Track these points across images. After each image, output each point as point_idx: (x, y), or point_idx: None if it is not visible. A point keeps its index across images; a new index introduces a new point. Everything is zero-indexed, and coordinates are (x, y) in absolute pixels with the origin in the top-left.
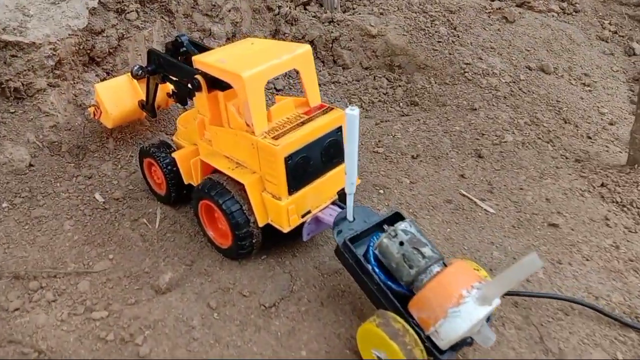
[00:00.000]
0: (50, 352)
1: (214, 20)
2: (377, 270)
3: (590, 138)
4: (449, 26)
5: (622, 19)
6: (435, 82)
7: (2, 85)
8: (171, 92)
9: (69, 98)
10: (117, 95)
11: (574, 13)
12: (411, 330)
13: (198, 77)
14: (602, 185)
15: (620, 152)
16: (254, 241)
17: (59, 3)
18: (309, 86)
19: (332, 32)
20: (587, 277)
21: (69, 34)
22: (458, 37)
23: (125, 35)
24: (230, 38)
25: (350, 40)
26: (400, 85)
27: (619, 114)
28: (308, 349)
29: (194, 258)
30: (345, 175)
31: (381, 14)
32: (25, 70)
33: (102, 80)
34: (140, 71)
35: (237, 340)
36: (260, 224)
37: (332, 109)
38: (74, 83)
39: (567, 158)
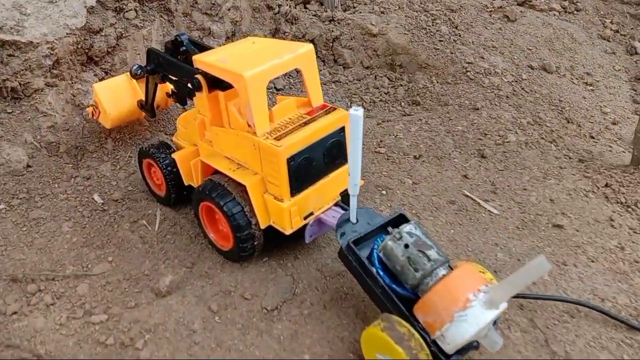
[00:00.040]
0: (49, 356)
1: (213, 19)
2: (381, 273)
3: (593, 138)
4: (451, 25)
5: (624, 18)
6: (437, 82)
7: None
8: (170, 92)
9: (67, 98)
10: (116, 95)
11: (575, 12)
12: (417, 335)
13: (198, 76)
14: (606, 185)
15: (623, 152)
16: (255, 243)
17: (56, 2)
18: (311, 86)
19: (332, 31)
20: (593, 278)
21: (67, 33)
22: (459, 36)
23: (123, 34)
24: (230, 37)
25: (351, 39)
26: (401, 85)
27: (622, 114)
28: (311, 353)
29: (194, 260)
30: (348, 177)
31: (382, 12)
32: (22, 70)
33: (101, 79)
34: (140, 71)
35: (239, 345)
36: (262, 226)
37: (335, 109)
38: (72, 83)
39: (570, 158)
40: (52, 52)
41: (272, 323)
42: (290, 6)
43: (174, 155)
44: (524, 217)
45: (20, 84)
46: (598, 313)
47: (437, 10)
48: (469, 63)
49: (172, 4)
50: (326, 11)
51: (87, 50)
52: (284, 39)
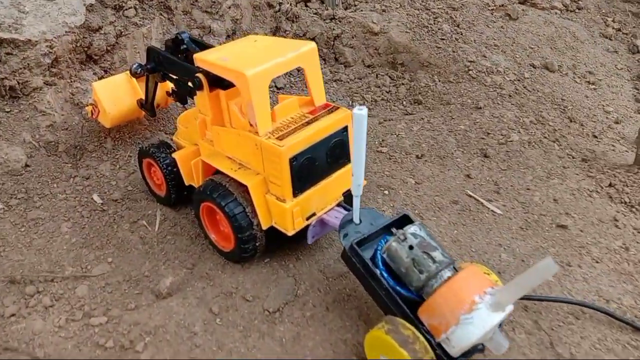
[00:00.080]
0: (48, 359)
1: (213, 17)
2: (385, 275)
3: (596, 137)
4: (452, 23)
5: (626, 16)
6: (439, 80)
7: None
8: (171, 91)
9: (66, 97)
10: (116, 94)
11: (577, 10)
12: (421, 338)
13: (199, 75)
14: (610, 185)
15: (626, 151)
16: (257, 244)
17: None
18: (314, 85)
19: (333, 29)
20: (598, 279)
21: (66, 31)
22: (461, 34)
23: (123, 33)
24: (230, 35)
25: (352, 37)
26: (403, 84)
27: (624, 113)
28: (314, 356)
29: (195, 261)
30: (351, 177)
31: (383, 11)
32: (20, 69)
33: (100, 78)
34: (140, 69)
35: (240, 347)
36: (264, 227)
37: (338, 108)
38: (71, 81)
39: (573, 157)
40: (50, 50)
41: (274, 325)
42: (291, 4)
43: (174, 155)
44: (527, 217)
45: (18, 83)
46: (603, 314)
47: (438, 8)
48: (471, 62)
49: (172, 2)
50: (327, 9)
51: (86, 49)
52: (284, 37)
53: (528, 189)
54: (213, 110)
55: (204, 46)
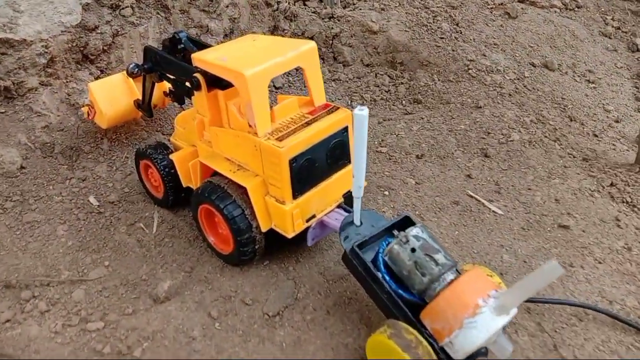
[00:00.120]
0: None
1: (211, 16)
2: (387, 278)
3: (596, 136)
4: (452, 22)
5: (625, 15)
6: (439, 79)
7: None
8: (168, 91)
9: (61, 97)
10: (112, 95)
11: (576, 9)
12: (424, 342)
13: (197, 75)
14: (612, 184)
15: (627, 150)
16: (256, 247)
17: None
18: (313, 85)
19: (332, 28)
20: (600, 280)
21: (62, 31)
22: (461, 33)
23: (120, 32)
24: (228, 35)
25: (351, 36)
26: (402, 83)
27: (625, 111)
28: None
29: (193, 264)
30: (352, 178)
31: (382, 9)
32: (15, 69)
33: (96, 78)
34: (137, 69)
35: (240, 352)
36: (263, 229)
37: (338, 108)
38: (67, 82)
39: (574, 157)
40: (46, 50)
41: (274, 329)
42: (289, 3)
43: (171, 156)
44: (529, 217)
45: (13, 83)
46: (606, 316)
47: (437, 7)
48: (470, 60)
49: (170, 0)
50: (326, 8)
51: (82, 48)
52: (282, 36)
53: (529, 189)
54: (211, 110)
55: (201, 45)
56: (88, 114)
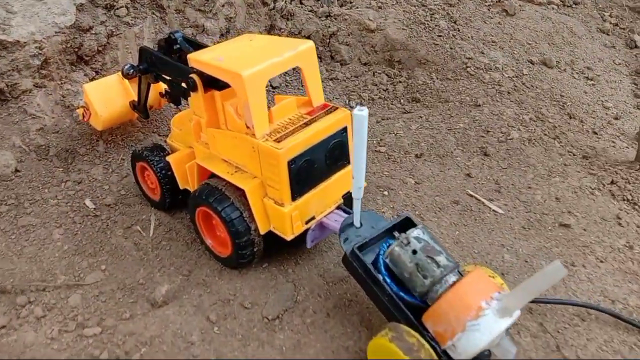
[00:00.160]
0: None
1: (207, 16)
2: (388, 280)
3: (596, 133)
4: (449, 20)
5: (623, 11)
6: (437, 78)
7: None
8: (164, 92)
9: (56, 99)
10: (107, 96)
11: (573, 5)
12: (426, 345)
13: (193, 76)
14: (612, 182)
15: (627, 147)
16: (255, 249)
17: None
18: (311, 85)
19: (329, 26)
20: (602, 279)
21: (56, 32)
22: (458, 30)
23: (114, 33)
24: (224, 34)
25: (348, 35)
26: (400, 81)
27: (624, 108)
28: None
29: (191, 268)
30: (351, 179)
31: (380, 7)
32: (9, 71)
33: (91, 80)
34: (132, 70)
35: (239, 357)
36: (262, 232)
37: (337, 108)
38: (62, 83)
39: (574, 155)
40: (40, 51)
41: (273, 333)
42: (285, 2)
43: (168, 158)
44: (529, 216)
45: (7, 85)
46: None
47: (435, 4)
48: (469, 58)
49: (165, 0)
50: (322, 6)
51: (76, 50)
52: (279, 35)
53: (529, 188)
54: (208, 111)
55: (198, 46)
56: (83, 116)
